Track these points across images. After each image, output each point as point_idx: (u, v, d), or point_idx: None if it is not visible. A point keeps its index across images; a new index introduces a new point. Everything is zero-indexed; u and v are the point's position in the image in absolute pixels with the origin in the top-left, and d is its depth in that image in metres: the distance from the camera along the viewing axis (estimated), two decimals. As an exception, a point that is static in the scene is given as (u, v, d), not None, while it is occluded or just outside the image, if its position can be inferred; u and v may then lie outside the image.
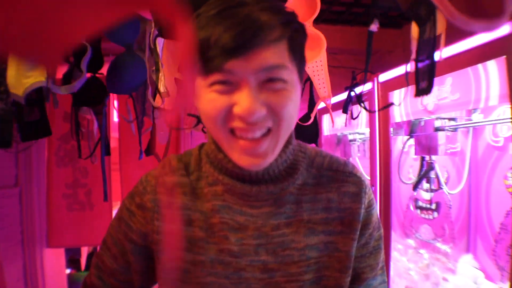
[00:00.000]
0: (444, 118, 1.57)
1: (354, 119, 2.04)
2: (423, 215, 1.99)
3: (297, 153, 0.62)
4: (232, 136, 0.52)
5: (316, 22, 2.55)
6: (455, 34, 1.42)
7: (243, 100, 0.48)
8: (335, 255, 0.60)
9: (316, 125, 1.85)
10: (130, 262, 0.64)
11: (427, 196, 1.88)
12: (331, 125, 2.34)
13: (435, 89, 1.48)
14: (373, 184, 1.86)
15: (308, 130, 1.80)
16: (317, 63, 1.44)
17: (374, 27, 1.00)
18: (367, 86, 1.93)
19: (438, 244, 1.92)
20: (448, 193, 1.72)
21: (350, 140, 2.29)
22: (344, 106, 2.06)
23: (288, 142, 0.60)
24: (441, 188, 1.59)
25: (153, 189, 0.61)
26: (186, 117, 1.86)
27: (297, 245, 0.58)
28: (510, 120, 1.14)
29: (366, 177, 0.68)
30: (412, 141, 1.68)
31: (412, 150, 1.73)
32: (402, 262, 1.97)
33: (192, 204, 0.60)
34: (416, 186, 1.63)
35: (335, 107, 2.15)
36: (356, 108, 2.02)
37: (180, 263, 0.59)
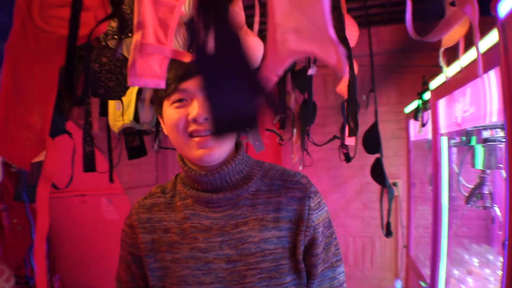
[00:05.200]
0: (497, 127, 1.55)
1: (423, 125, 2.09)
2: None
3: (253, 167, 0.84)
4: (189, 138, 0.76)
5: (378, 24, 2.58)
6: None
7: (195, 108, 0.74)
8: (288, 246, 0.78)
9: (377, 136, 1.99)
10: (133, 271, 0.86)
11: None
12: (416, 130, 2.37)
13: (460, 100, 1.51)
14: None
15: (370, 141, 1.98)
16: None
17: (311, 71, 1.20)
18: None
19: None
20: None
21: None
22: (415, 113, 2.14)
23: (240, 157, 0.82)
24: (493, 206, 1.57)
25: (136, 211, 0.86)
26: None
27: (253, 239, 0.76)
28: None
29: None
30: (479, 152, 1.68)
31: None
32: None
33: (168, 216, 0.83)
34: (467, 201, 1.64)
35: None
36: (427, 115, 2.06)
37: (162, 263, 0.80)
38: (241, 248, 0.77)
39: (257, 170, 0.84)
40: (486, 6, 1.11)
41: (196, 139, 0.75)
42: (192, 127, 0.75)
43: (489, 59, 1.23)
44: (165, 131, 0.83)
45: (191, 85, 0.75)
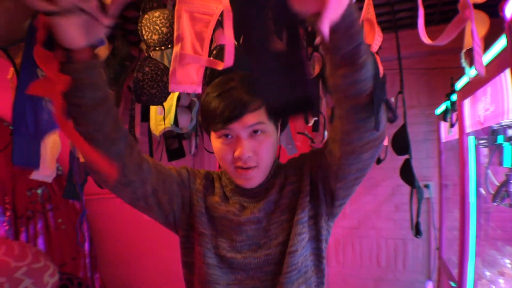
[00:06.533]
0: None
1: (452, 126, 2.15)
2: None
3: (276, 169, 1.03)
4: (235, 169, 0.93)
5: (407, 27, 2.63)
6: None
7: (240, 148, 0.89)
8: (299, 197, 0.97)
9: (406, 137, 2.05)
10: (168, 182, 0.97)
11: None
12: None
13: (482, 99, 1.58)
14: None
15: (400, 142, 2.05)
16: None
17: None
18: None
19: None
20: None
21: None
22: (444, 114, 2.20)
23: (272, 171, 1.01)
24: (520, 204, 1.61)
25: (204, 172, 1.06)
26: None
27: (274, 200, 0.97)
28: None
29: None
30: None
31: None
32: None
33: (219, 188, 1.02)
34: (494, 199, 1.68)
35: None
36: (456, 116, 2.11)
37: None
38: (267, 209, 0.97)
39: (278, 170, 1.04)
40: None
41: (240, 170, 0.93)
42: (238, 163, 0.92)
43: (504, 59, 1.31)
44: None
45: (236, 126, 0.89)
